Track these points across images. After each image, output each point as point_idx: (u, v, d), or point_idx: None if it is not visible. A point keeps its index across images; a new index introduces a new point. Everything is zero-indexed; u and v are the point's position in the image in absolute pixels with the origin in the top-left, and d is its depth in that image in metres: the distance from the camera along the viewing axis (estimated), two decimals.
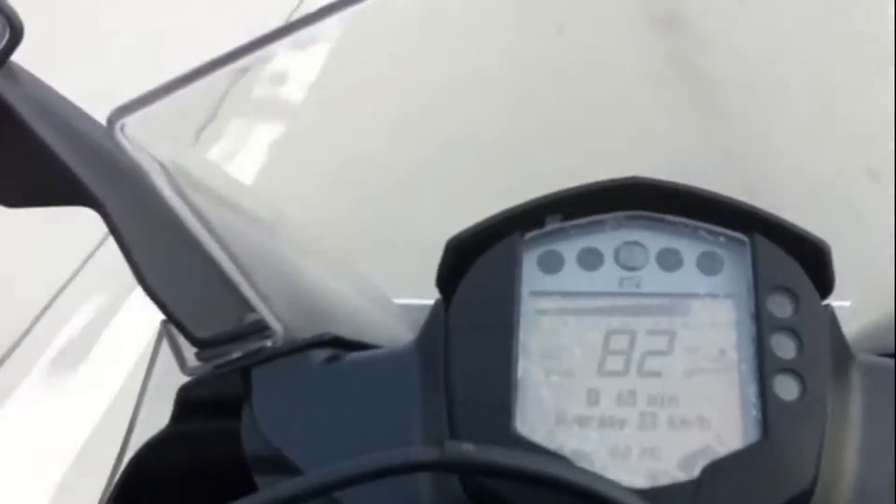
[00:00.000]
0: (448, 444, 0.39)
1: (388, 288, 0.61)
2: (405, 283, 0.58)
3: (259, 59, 0.42)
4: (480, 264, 0.47)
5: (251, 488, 0.44)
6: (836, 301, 0.48)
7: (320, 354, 0.48)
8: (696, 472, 0.42)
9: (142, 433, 0.53)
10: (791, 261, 0.46)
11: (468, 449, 0.39)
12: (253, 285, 0.47)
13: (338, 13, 0.41)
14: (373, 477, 0.39)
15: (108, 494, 0.51)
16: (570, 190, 0.48)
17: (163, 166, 0.43)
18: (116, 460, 0.53)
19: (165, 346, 0.51)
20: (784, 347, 0.44)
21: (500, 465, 0.39)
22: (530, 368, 0.44)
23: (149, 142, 0.42)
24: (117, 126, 0.42)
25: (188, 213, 0.44)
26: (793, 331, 0.44)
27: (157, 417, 0.52)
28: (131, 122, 0.42)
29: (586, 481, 0.39)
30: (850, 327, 0.48)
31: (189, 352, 0.49)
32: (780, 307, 0.45)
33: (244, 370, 0.48)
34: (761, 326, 0.44)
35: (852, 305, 0.54)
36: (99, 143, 0.49)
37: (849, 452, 0.43)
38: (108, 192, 0.47)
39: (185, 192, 0.44)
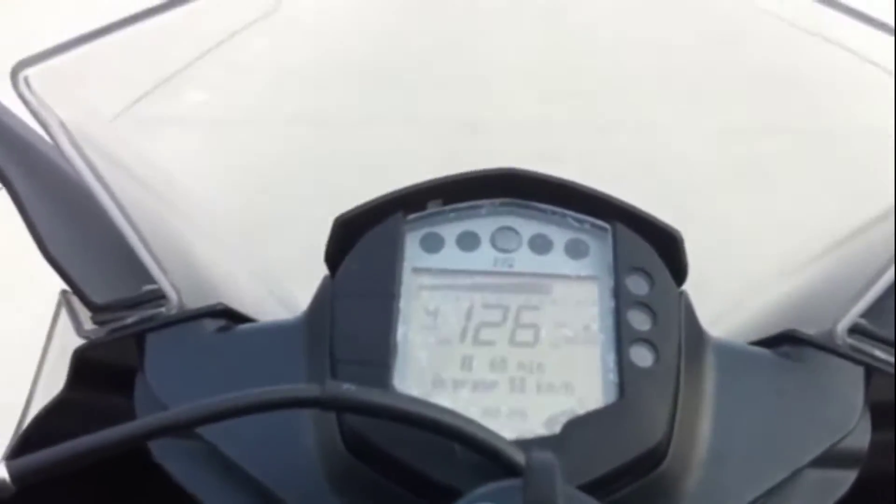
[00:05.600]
0: (328, 382, 0.42)
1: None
2: None
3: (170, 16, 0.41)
4: (366, 240, 0.50)
5: (144, 450, 0.47)
6: None
7: (213, 324, 0.51)
8: (558, 430, 0.45)
9: (45, 400, 0.54)
10: (647, 246, 0.51)
11: (348, 388, 0.41)
12: (151, 253, 0.49)
13: None
14: (257, 410, 0.41)
15: (8, 456, 0.53)
16: (450, 177, 0.52)
17: (64, 124, 0.44)
18: (17, 425, 0.55)
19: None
20: (640, 321, 0.48)
21: (378, 404, 0.42)
22: (409, 333, 0.48)
23: (53, 98, 0.42)
24: (20, 78, 0.42)
25: (89, 175, 0.45)
26: (648, 307, 0.49)
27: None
28: (36, 75, 0.41)
29: (458, 423, 0.42)
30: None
31: (87, 318, 0.51)
32: (637, 286, 0.49)
33: (139, 337, 0.50)
34: (619, 302, 0.49)
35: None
36: None
37: (703, 423, 0.47)
38: (8, 159, 0.47)
39: (87, 154, 0.45)
